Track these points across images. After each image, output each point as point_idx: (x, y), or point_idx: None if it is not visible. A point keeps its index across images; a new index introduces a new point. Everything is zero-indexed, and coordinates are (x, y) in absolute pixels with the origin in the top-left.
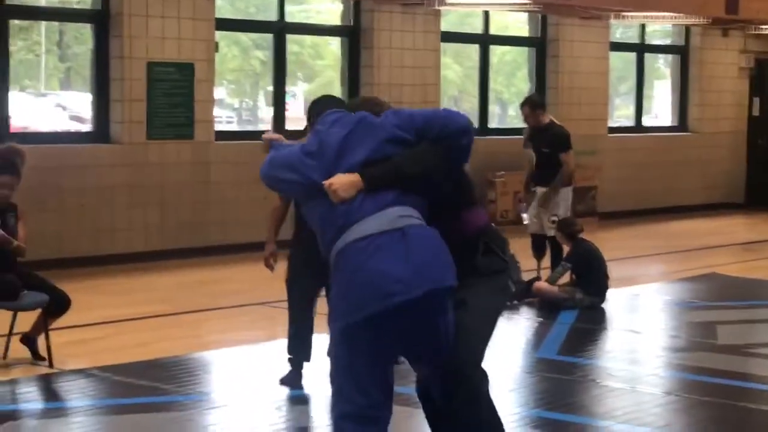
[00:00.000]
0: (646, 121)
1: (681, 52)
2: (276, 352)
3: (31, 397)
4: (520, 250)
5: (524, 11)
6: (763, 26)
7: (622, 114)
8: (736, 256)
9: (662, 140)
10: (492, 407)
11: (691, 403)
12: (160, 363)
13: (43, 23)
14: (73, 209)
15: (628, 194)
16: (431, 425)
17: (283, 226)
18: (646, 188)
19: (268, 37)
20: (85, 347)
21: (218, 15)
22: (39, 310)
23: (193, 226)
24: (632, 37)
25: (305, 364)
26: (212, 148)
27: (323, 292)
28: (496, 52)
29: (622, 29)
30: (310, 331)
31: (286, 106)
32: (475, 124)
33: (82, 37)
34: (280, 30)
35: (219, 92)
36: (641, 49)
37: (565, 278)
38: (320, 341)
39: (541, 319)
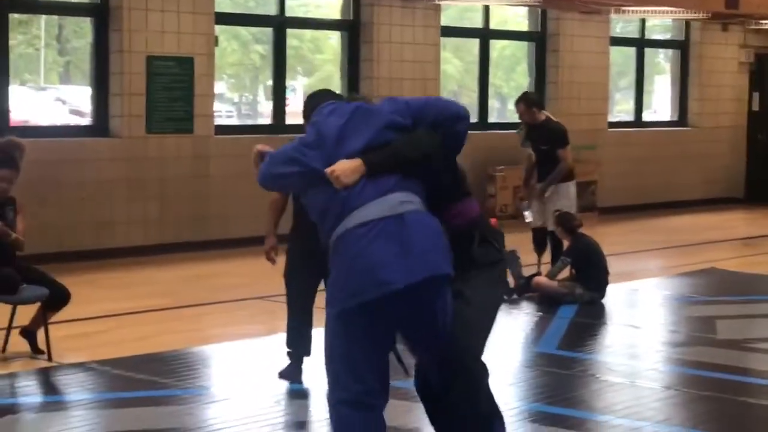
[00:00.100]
0: (646, 115)
1: (681, 46)
2: (276, 346)
3: (30, 391)
4: (521, 245)
5: (524, 6)
6: (763, 21)
7: (622, 109)
8: (735, 251)
9: (662, 135)
10: (492, 400)
11: (690, 398)
12: (159, 357)
13: (43, 17)
14: (73, 203)
15: (628, 189)
16: (431, 418)
17: (282, 219)
18: (645, 183)
19: (268, 31)
20: (85, 341)
21: (218, 9)
22: (38, 304)
23: (193, 220)
24: (632, 32)
25: (305, 357)
26: (212, 142)
27: (322, 286)
28: (496, 46)
29: (622, 24)
30: (310, 325)
31: (286, 101)
32: (475, 118)
33: (81, 31)
34: (279, 24)
35: (219, 86)
36: (641, 43)
37: (565, 273)
38: (320, 335)
39: (540, 313)
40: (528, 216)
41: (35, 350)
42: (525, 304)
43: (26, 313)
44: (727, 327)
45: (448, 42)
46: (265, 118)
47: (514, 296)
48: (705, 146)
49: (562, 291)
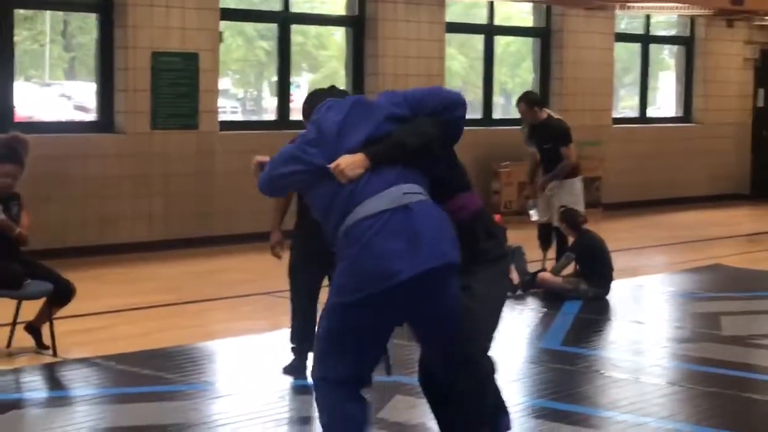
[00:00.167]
0: (651, 112)
1: (686, 43)
2: (280, 342)
3: (35, 386)
4: (526, 241)
5: (529, 2)
6: None
7: (626, 105)
8: (740, 247)
9: (667, 131)
10: (498, 394)
11: (695, 394)
12: (164, 352)
13: (48, 13)
14: (78, 199)
15: (633, 185)
16: (435, 412)
17: (286, 215)
18: (650, 179)
19: (273, 27)
20: (89, 336)
21: (222, 5)
22: (43, 299)
23: (198, 215)
24: (637, 28)
25: (309, 353)
26: (216, 138)
27: (326, 282)
28: (501, 42)
29: (627, 20)
30: (314, 321)
31: (291, 97)
32: (480, 114)
33: (86, 27)
34: (284, 20)
35: (223, 82)
36: (646, 39)
37: (570, 269)
38: None
39: (545, 309)
40: (533, 215)
41: (40, 345)
42: (530, 299)
43: (31, 309)
44: (731, 323)
45: (452, 38)
46: (270, 114)
47: (519, 292)
48: (710, 142)
49: (567, 287)
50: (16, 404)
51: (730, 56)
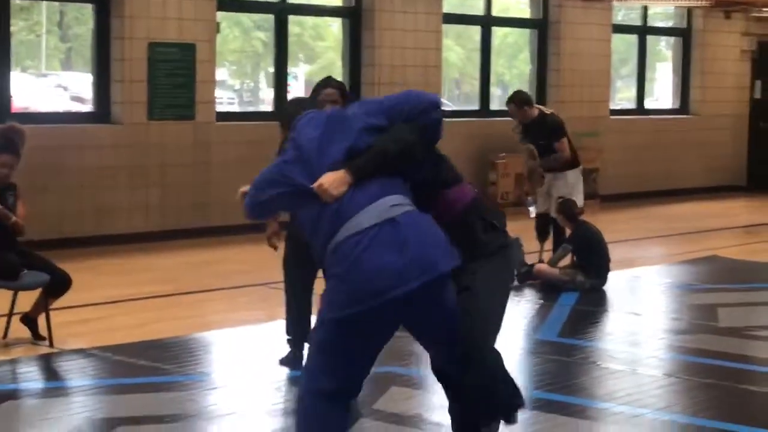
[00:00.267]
0: (648, 103)
1: (683, 34)
2: (276, 333)
3: (31, 377)
4: (523, 232)
5: None
6: (766, 9)
7: (623, 96)
8: (737, 238)
9: (664, 123)
10: (509, 383)
11: (691, 385)
12: (160, 343)
13: (44, 3)
14: (74, 189)
15: (630, 176)
16: (449, 403)
17: None
18: (647, 171)
19: (270, 18)
20: (86, 327)
21: None
22: (39, 290)
23: (194, 206)
24: (634, 19)
25: (304, 345)
26: (213, 129)
27: (320, 273)
28: (498, 33)
29: (624, 11)
30: (309, 313)
31: (288, 88)
32: (477, 106)
33: (83, 18)
34: (281, 11)
35: (220, 73)
36: (643, 31)
37: (566, 260)
38: None
39: (542, 301)
40: (532, 212)
41: (36, 336)
42: (526, 291)
43: (27, 300)
44: (728, 315)
45: (450, 29)
46: (267, 105)
47: (516, 283)
48: (707, 134)
49: (564, 278)
50: (13, 395)
51: (728, 48)
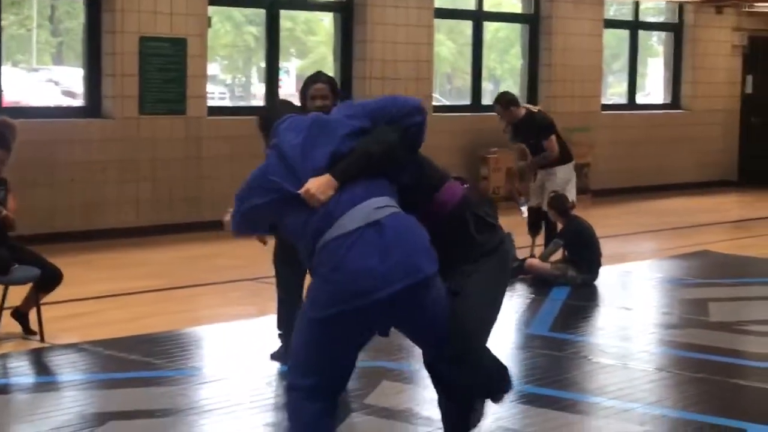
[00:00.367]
0: (639, 98)
1: (674, 29)
2: (267, 328)
3: (22, 372)
4: (515, 227)
5: None
6: (757, 4)
7: (615, 91)
8: (728, 233)
9: (655, 118)
10: (498, 368)
11: (682, 380)
12: (151, 338)
13: None
14: (65, 184)
15: (621, 171)
16: (438, 391)
17: None
18: (638, 166)
19: (261, 13)
20: (77, 322)
21: None
22: (30, 285)
23: (186, 201)
24: (626, 15)
25: None
26: (204, 124)
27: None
28: (490, 28)
29: (616, 6)
30: (299, 307)
31: (279, 82)
32: (468, 100)
33: (74, 12)
34: (272, 5)
35: (212, 68)
36: (635, 26)
37: (558, 255)
38: None
39: (533, 295)
40: (524, 211)
41: (27, 331)
42: (518, 286)
43: (18, 294)
44: (719, 309)
45: (441, 24)
46: (258, 100)
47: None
48: (698, 129)
49: (555, 273)
50: (3, 389)
51: (719, 43)
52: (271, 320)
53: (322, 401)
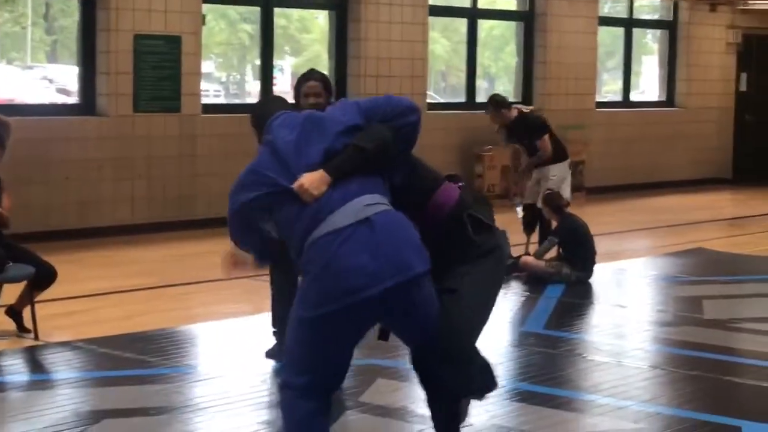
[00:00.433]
0: (634, 96)
1: (669, 27)
2: (262, 325)
3: (16, 369)
4: (509, 225)
5: None
6: (751, 1)
7: (609, 89)
8: (722, 231)
9: (650, 115)
10: (484, 368)
11: (676, 377)
12: (146, 336)
13: None
14: (60, 182)
15: (616, 169)
16: (426, 391)
17: None
18: (633, 163)
19: (255, 11)
20: (71, 320)
21: None
22: (24, 283)
23: (180, 199)
24: (620, 12)
25: None
26: (199, 122)
27: None
28: (484, 26)
29: (611, 4)
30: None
31: (274, 80)
32: (463, 98)
33: (68, 10)
34: (267, 3)
35: (206, 65)
36: (629, 23)
37: (553, 253)
38: None
39: (527, 293)
40: (520, 212)
41: (21, 329)
42: (512, 283)
43: (12, 292)
44: (713, 307)
45: (436, 22)
46: (253, 98)
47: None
48: (693, 127)
49: (550, 271)
50: None
51: (713, 40)
52: (265, 318)
53: (316, 400)
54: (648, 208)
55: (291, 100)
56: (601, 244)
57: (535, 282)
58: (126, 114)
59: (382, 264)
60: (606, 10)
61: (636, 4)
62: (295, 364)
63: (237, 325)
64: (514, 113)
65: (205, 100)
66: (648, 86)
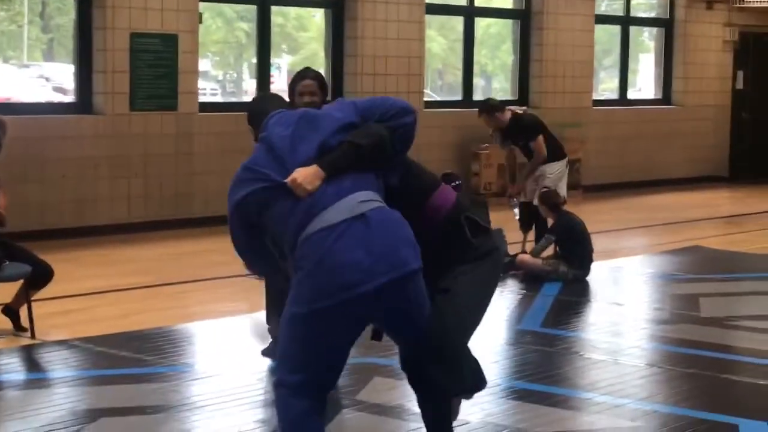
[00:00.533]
0: (631, 94)
1: (666, 25)
2: (259, 323)
3: (13, 368)
4: (506, 223)
5: None
6: None
7: (606, 87)
8: (719, 229)
9: (646, 113)
10: (475, 371)
11: (673, 375)
12: (143, 334)
13: None
14: (56, 180)
15: (613, 167)
16: (416, 391)
17: None
18: (630, 161)
19: (252, 9)
20: (68, 318)
21: None
22: (21, 282)
23: (177, 197)
24: (617, 10)
25: None
26: (196, 120)
27: None
28: (481, 24)
29: (607, 2)
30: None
31: (271, 79)
32: (460, 96)
33: (64, 8)
34: (264, 1)
35: (203, 64)
36: (626, 21)
37: (549, 251)
38: None
39: (525, 291)
40: (517, 213)
41: (18, 328)
42: (509, 281)
43: (9, 291)
44: (710, 305)
45: (432, 19)
46: (249, 96)
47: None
48: (689, 125)
49: (546, 269)
50: None
51: (710, 38)
52: (262, 316)
53: (310, 398)
54: (645, 206)
55: (287, 98)
56: (597, 242)
57: (532, 280)
58: (122, 112)
59: (378, 260)
60: (603, 8)
61: (633, 2)
62: (288, 362)
63: (233, 323)
64: (508, 116)
65: (201, 99)
66: (645, 84)
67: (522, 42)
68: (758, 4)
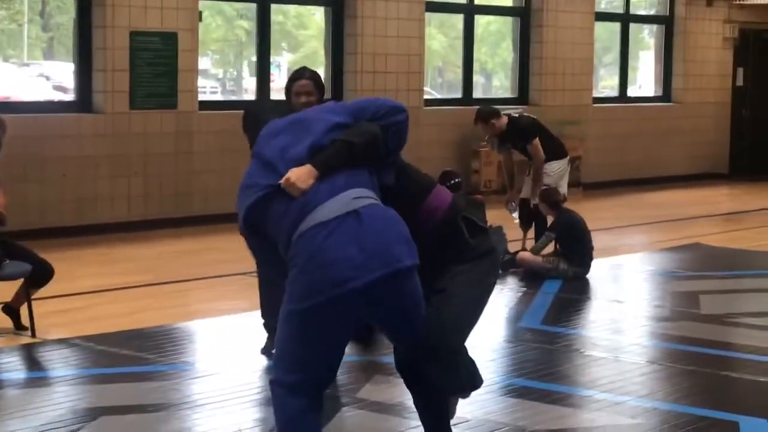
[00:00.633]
0: (631, 91)
1: (665, 22)
2: (259, 322)
3: (13, 367)
4: (506, 220)
5: None
6: None
7: (606, 84)
8: (719, 226)
9: (646, 111)
10: (470, 371)
11: (674, 372)
12: (143, 333)
13: None
14: (56, 179)
15: (613, 165)
16: (410, 389)
17: None
18: (630, 159)
19: (252, 7)
20: (68, 317)
21: None
22: (21, 280)
23: (177, 196)
24: (617, 7)
25: None
26: (196, 118)
27: None
28: (481, 21)
29: None
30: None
31: (271, 77)
32: (460, 94)
33: (64, 7)
34: None
35: (203, 62)
36: (626, 19)
37: (550, 248)
38: None
39: (525, 288)
40: (516, 217)
41: (18, 326)
42: (509, 279)
43: (9, 290)
44: (710, 302)
45: (432, 17)
46: (250, 95)
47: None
48: (689, 122)
49: (547, 266)
50: None
51: (710, 35)
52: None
53: (306, 397)
54: (645, 204)
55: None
56: (598, 240)
57: (532, 278)
58: (122, 111)
59: (370, 256)
60: (602, 5)
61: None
62: (285, 361)
63: (233, 321)
64: (505, 121)
65: (201, 97)
66: (645, 82)
67: (522, 39)
68: (758, 1)
